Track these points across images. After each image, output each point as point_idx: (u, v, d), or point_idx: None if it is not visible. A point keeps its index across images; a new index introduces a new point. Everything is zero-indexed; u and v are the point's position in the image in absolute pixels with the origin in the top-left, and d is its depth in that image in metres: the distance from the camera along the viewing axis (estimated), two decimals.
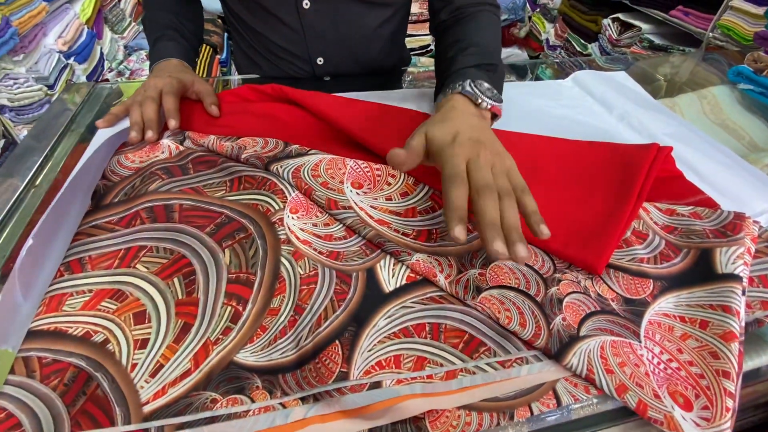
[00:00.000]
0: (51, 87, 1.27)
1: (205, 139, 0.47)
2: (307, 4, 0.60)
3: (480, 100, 0.43)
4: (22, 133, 1.16)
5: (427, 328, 0.31)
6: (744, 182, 0.48)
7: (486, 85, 0.45)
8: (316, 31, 0.63)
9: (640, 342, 0.31)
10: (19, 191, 0.44)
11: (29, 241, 0.32)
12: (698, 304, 0.33)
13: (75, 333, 0.30)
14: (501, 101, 0.46)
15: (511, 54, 2.22)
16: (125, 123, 0.50)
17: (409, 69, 0.80)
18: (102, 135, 0.49)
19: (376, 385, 0.28)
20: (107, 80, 1.55)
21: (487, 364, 0.30)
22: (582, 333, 0.31)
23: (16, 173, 0.47)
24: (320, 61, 0.66)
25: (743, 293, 0.33)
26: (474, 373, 0.29)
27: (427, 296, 0.34)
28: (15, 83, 1.11)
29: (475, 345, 0.31)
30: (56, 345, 0.29)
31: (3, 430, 0.25)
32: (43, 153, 0.50)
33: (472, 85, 0.44)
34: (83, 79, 1.44)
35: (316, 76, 0.68)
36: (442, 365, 0.29)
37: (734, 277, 0.34)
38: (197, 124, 0.51)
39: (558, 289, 0.34)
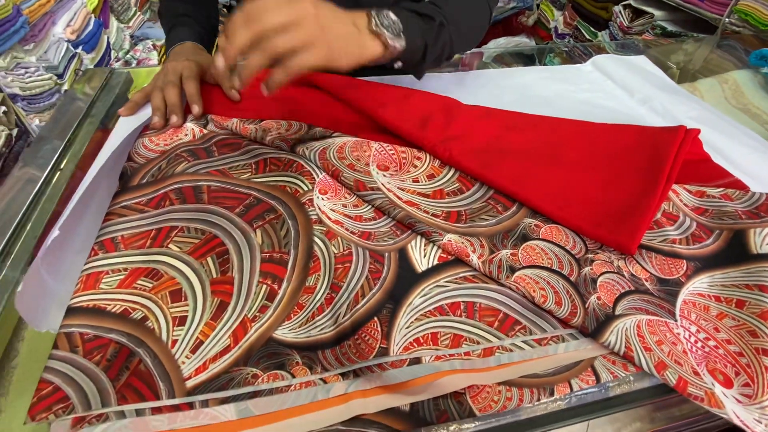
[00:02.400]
0: (60, 76, 1.26)
1: (228, 122, 0.47)
2: None
3: (375, 23, 0.38)
4: (33, 121, 1.16)
5: (462, 307, 0.31)
6: None
7: (392, 16, 0.39)
8: None
9: (676, 321, 0.31)
10: (43, 177, 0.44)
11: (55, 232, 0.32)
12: (733, 284, 0.33)
13: (113, 310, 0.30)
14: (401, 37, 0.40)
15: (519, 42, 2.18)
16: (147, 109, 0.50)
17: None
18: (124, 121, 0.49)
19: (416, 361, 0.28)
20: None
21: (524, 341, 0.30)
22: (617, 312, 0.31)
23: (40, 159, 0.47)
24: None
25: None
26: (511, 350, 0.29)
27: (460, 276, 0.33)
28: (26, 72, 1.11)
29: (510, 323, 0.31)
30: (96, 321, 0.29)
31: (51, 403, 0.25)
32: (65, 138, 0.50)
33: (378, 13, 0.39)
34: (91, 68, 1.43)
35: None
36: (478, 343, 0.29)
37: None
38: (217, 107, 0.51)
39: (591, 269, 0.34)
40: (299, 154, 0.42)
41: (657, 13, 1.64)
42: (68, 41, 1.32)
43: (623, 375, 0.29)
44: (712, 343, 0.30)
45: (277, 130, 0.45)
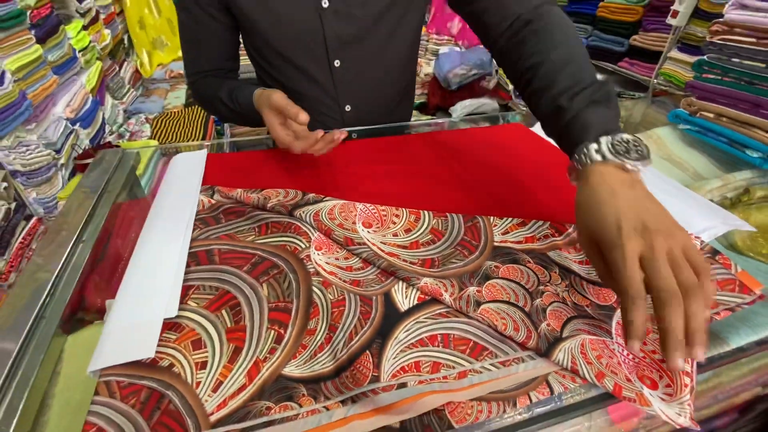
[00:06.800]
0: (58, 151, 1.34)
1: (233, 192, 0.54)
2: (337, 63, 0.65)
3: (629, 166, 0.36)
4: (30, 195, 1.21)
5: (439, 338, 0.38)
6: (688, 206, 0.58)
7: (624, 136, 0.37)
8: (346, 83, 0.69)
9: (612, 339, 0.38)
10: (68, 248, 0.50)
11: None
12: None
13: (144, 360, 0.35)
14: (646, 155, 0.37)
15: (483, 104, 2.42)
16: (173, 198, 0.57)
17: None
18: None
19: (403, 385, 0.33)
20: (109, 143, 1.64)
21: (491, 364, 0.36)
22: (564, 334, 0.38)
23: (55, 245, 0.51)
24: (348, 108, 0.71)
25: None
26: (481, 372, 0.35)
27: (436, 312, 0.40)
28: (27, 150, 1.18)
29: (479, 350, 0.37)
30: (130, 371, 0.34)
31: None
32: (79, 224, 0.55)
33: (611, 146, 0.36)
34: (87, 142, 1.52)
35: (345, 124, 0.72)
36: (454, 367, 0.36)
37: None
38: (224, 180, 0.59)
39: (541, 300, 0.41)
40: (297, 217, 0.50)
41: (599, 76, 1.88)
42: (67, 119, 1.42)
43: (572, 386, 0.35)
44: (641, 354, 0.37)
45: (276, 197, 0.53)
